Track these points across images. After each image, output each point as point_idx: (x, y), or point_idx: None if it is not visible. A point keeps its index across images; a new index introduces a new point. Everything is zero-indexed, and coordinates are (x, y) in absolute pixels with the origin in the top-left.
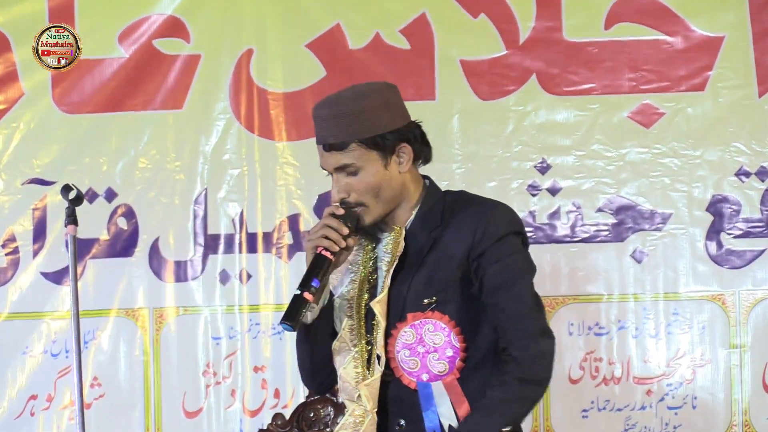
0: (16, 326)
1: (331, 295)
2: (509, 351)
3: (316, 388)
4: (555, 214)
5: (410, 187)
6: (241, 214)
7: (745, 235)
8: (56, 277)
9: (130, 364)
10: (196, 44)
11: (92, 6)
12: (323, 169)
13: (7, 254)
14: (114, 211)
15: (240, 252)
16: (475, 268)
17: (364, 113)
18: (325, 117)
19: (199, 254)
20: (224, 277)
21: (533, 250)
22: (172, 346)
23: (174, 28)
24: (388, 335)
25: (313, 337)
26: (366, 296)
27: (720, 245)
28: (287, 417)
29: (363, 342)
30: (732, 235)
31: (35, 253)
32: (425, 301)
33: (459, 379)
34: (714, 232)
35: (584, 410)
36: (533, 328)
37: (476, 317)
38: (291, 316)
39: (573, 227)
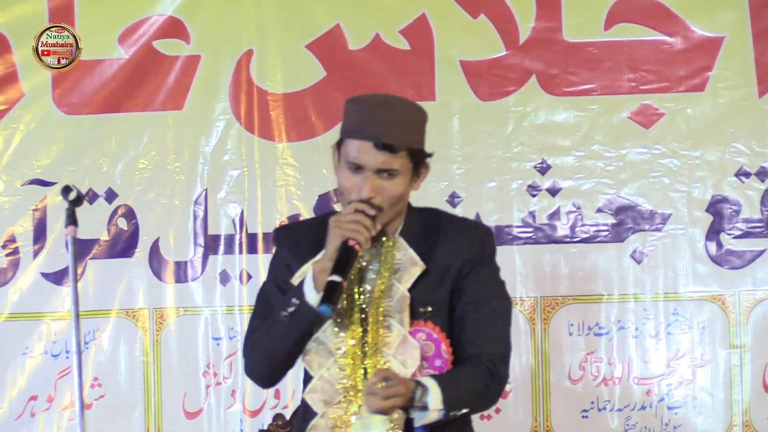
0: (16, 327)
1: None
2: (483, 361)
3: (271, 382)
4: (555, 215)
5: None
6: (242, 214)
7: (745, 235)
8: (56, 277)
9: (130, 364)
10: (196, 45)
11: (92, 7)
12: (355, 163)
13: (7, 255)
14: (114, 212)
15: (240, 252)
16: (464, 283)
17: (416, 124)
18: (386, 117)
19: (200, 255)
20: (224, 278)
21: (533, 250)
22: (173, 347)
23: (174, 29)
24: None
25: (308, 336)
26: (358, 303)
27: (720, 245)
28: (287, 417)
29: (356, 347)
30: (732, 236)
31: (35, 254)
32: (421, 309)
33: None
34: (714, 232)
35: (584, 410)
36: (504, 351)
37: (453, 330)
38: (331, 299)
39: (573, 227)
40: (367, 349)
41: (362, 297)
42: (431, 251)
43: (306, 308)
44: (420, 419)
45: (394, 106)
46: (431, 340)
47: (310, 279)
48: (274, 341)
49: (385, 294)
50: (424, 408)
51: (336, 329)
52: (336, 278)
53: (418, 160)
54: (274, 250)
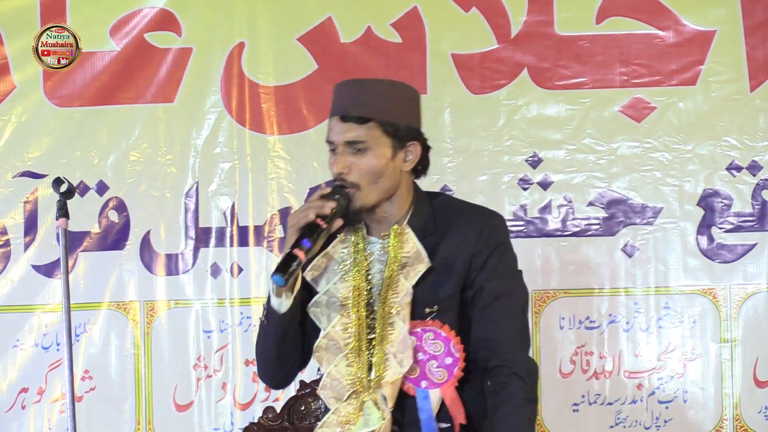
0: (6, 319)
1: (308, 289)
2: (511, 369)
3: (276, 382)
4: (546, 208)
5: (404, 188)
6: (233, 207)
7: (736, 229)
8: (47, 270)
9: (121, 357)
10: (187, 38)
11: None
12: (330, 142)
13: None
14: (105, 205)
15: (231, 245)
16: (474, 277)
17: (392, 98)
18: (353, 90)
19: (190, 247)
20: (215, 271)
21: (524, 243)
22: (163, 340)
23: (165, 21)
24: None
25: (285, 327)
26: (365, 296)
27: (711, 239)
28: (278, 410)
29: (362, 343)
30: (723, 230)
31: (26, 246)
32: (426, 310)
33: (457, 387)
34: (705, 226)
35: (575, 404)
36: (526, 345)
37: (468, 326)
38: (283, 269)
39: (564, 221)
40: (375, 343)
41: (370, 290)
42: (438, 244)
43: (271, 311)
44: None
45: (368, 81)
46: (440, 339)
47: (273, 286)
48: (262, 344)
49: (391, 288)
50: None
51: (344, 323)
52: (288, 251)
53: (398, 134)
54: None
